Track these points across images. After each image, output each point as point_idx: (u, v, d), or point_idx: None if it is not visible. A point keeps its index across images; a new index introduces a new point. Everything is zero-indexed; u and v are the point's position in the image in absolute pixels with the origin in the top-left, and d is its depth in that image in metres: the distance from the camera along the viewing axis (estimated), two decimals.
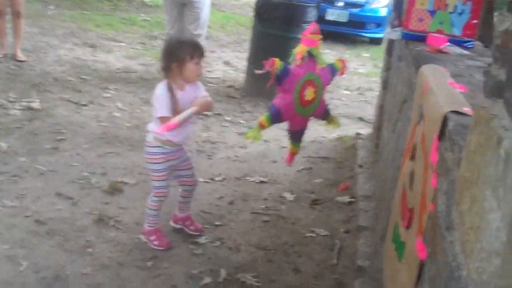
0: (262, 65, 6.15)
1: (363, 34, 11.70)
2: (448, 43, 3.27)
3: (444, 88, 2.20)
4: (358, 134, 5.43)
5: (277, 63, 3.05)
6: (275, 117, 3.22)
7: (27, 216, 3.49)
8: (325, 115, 3.51)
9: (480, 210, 1.21)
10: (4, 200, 3.63)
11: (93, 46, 8.22)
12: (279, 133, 5.63)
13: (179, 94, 3.15)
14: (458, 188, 1.40)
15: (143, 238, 3.39)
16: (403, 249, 2.26)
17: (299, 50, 3.22)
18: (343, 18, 11.22)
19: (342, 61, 3.48)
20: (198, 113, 3.22)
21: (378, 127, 4.77)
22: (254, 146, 5.21)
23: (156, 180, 3.30)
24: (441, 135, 1.80)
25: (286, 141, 5.34)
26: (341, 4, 11.40)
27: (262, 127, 3.19)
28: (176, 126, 3.05)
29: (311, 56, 3.21)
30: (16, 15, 6.93)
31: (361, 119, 6.43)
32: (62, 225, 3.43)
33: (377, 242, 3.30)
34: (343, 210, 3.98)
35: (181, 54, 3.13)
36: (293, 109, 3.21)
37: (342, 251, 3.43)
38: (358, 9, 11.48)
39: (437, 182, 1.80)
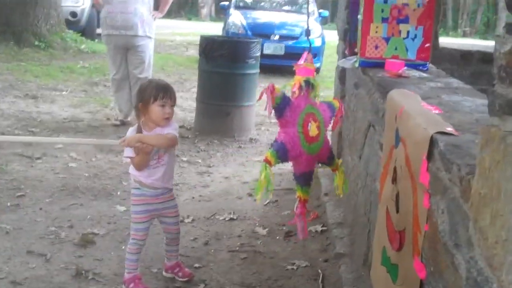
0: (216, 102, 6.14)
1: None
2: (406, 67, 3.39)
3: (420, 110, 2.28)
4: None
5: (277, 89, 2.74)
6: (281, 153, 2.79)
7: (1, 279, 3.36)
8: (329, 158, 3.11)
9: (506, 224, 1.27)
10: None
11: (35, 98, 8.09)
12: (239, 169, 5.69)
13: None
14: (474, 205, 1.45)
15: (123, 287, 3.32)
16: (396, 271, 2.30)
17: (296, 80, 2.87)
18: (280, 51, 11.45)
19: (339, 101, 3.22)
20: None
21: (337, 154, 4.86)
22: (216, 185, 5.21)
23: (134, 222, 3.29)
24: (430, 155, 1.86)
25: (247, 177, 5.44)
26: (276, 37, 11.64)
27: (269, 163, 2.76)
28: (142, 164, 3.14)
29: (308, 86, 2.87)
30: None
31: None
32: (39, 284, 3.33)
33: (359, 268, 3.35)
34: (317, 239, 4.02)
35: (145, 95, 3.14)
36: (299, 145, 2.81)
37: (326, 280, 3.46)
38: (294, 41, 11.75)
39: (430, 202, 1.87)
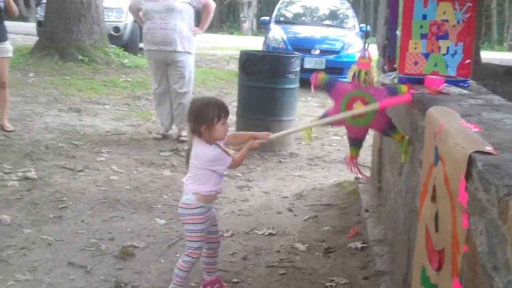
0: (256, 117, 6.28)
1: (342, 79, 11.90)
2: (446, 84, 3.36)
3: (459, 129, 2.24)
4: (357, 178, 5.46)
5: (320, 76, 3.29)
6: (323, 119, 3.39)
7: None
8: (388, 129, 3.44)
9: None
10: (16, 275, 3.56)
11: (78, 111, 8.25)
12: (279, 183, 5.69)
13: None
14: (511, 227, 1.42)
15: None
16: None
17: (353, 69, 3.36)
18: (321, 66, 11.42)
19: (408, 86, 3.33)
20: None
21: (378, 171, 4.82)
22: (255, 199, 5.22)
23: (195, 241, 3.26)
24: (468, 175, 1.83)
25: (286, 192, 5.44)
26: (317, 52, 11.63)
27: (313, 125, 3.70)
28: (242, 160, 3.34)
29: (359, 75, 3.31)
30: (1, 85, 6.95)
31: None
32: None
33: (399, 287, 3.31)
34: (356, 256, 3.99)
35: (209, 116, 3.14)
36: (341, 119, 3.32)
37: None
38: (334, 55, 11.73)
39: (469, 223, 1.84)
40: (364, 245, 4.11)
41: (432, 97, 3.09)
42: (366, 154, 6.79)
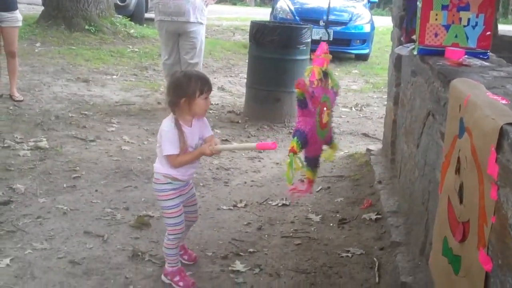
0: (266, 88, 6.11)
1: (349, 51, 11.85)
2: (466, 56, 3.33)
3: (487, 100, 2.22)
4: (369, 150, 5.46)
5: (298, 92, 2.87)
6: (302, 141, 2.91)
7: (60, 258, 3.44)
8: (331, 140, 3.29)
9: None
10: (33, 243, 3.58)
11: (86, 81, 8.21)
12: None
13: (187, 131, 3.07)
14: None
15: (166, 279, 3.27)
16: (459, 262, 2.27)
17: (316, 71, 3.01)
18: (328, 37, 11.33)
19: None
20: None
21: (391, 143, 4.81)
22: (267, 170, 5.22)
23: (171, 217, 3.19)
24: (499, 147, 1.82)
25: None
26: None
27: (294, 153, 2.91)
28: (185, 164, 3.08)
29: (325, 76, 3.09)
30: (11, 54, 6.92)
31: (365, 135, 6.49)
32: (97, 264, 3.40)
33: (416, 257, 3.32)
34: (371, 227, 4.00)
35: (190, 89, 3.02)
36: (315, 132, 2.98)
37: (382, 269, 3.44)
38: (342, 27, 11.63)
39: (498, 194, 1.83)
40: (378, 216, 4.12)
41: (454, 69, 3.07)
42: (375, 126, 6.81)
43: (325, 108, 3.01)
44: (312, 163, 3.14)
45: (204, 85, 3.06)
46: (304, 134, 2.89)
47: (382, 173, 4.76)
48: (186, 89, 3.02)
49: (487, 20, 3.51)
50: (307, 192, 3.23)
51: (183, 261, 3.45)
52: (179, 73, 3.22)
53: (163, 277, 3.30)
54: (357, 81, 9.52)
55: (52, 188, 4.47)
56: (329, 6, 4.18)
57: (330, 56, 3.21)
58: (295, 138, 2.90)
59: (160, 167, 3.15)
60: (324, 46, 3.19)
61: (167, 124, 3.07)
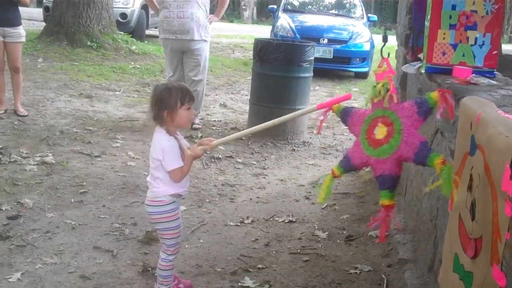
0: (269, 105, 6.05)
1: (349, 69, 11.93)
2: (474, 74, 3.38)
3: (499, 118, 2.26)
4: None
5: (334, 108, 2.81)
6: (344, 164, 2.73)
7: (70, 272, 3.46)
8: (418, 156, 2.58)
9: None
10: (43, 258, 3.60)
11: (89, 97, 8.25)
12: (294, 171, 5.73)
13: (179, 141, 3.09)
14: None
15: None
16: (471, 278, 2.29)
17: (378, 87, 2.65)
18: (329, 55, 11.43)
19: (441, 91, 2.54)
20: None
21: None
22: (272, 187, 5.25)
23: (173, 238, 3.16)
24: None
25: (302, 180, 5.47)
26: (325, 41, 11.62)
27: (334, 175, 2.76)
28: (185, 175, 3.06)
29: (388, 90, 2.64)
30: (15, 70, 6.96)
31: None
32: (108, 279, 3.42)
33: (424, 274, 3.34)
34: (378, 244, 4.02)
35: (171, 101, 3.01)
36: (362, 152, 2.64)
37: (390, 286, 3.46)
38: (342, 45, 11.72)
39: None
40: (385, 233, 4.13)
41: (462, 87, 3.11)
42: None
43: (381, 123, 2.62)
44: (383, 184, 2.66)
45: (184, 96, 3.04)
46: (346, 157, 2.72)
47: None
48: (168, 101, 3.00)
49: (493, 40, 3.56)
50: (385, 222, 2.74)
51: None
52: (160, 86, 3.16)
53: None
54: (357, 99, 9.56)
55: (60, 203, 4.49)
56: None
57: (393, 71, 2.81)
58: (339, 162, 2.75)
59: (163, 189, 3.07)
60: (384, 61, 2.79)
61: (164, 138, 3.02)
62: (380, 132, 2.61)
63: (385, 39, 3.37)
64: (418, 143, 2.55)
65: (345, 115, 2.77)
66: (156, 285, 3.23)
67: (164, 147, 3.01)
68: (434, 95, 2.50)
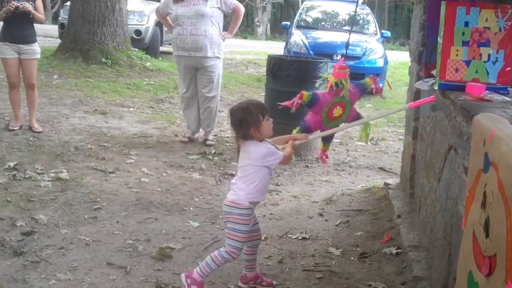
0: (283, 121, 6.38)
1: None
2: (487, 91, 3.37)
3: None
4: (386, 184, 5.48)
5: (304, 95, 3.69)
6: (305, 131, 3.83)
7: None
8: (356, 118, 3.93)
9: None
10: (57, 274, 3.61)
11: (104, 113, 8.31)
12: (307, 188, 5.72)
13: None
14: None
15: (183, 279, 3.41)
16: None
17: (330, 80, 3.72)
18: None
19: (373, 79, 4.01)
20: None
21: (410, 177, 4.83)
22: (285, 204, 5.25)
23: (239, 241, 3.35)
24: None
25: (315, 196, 5.46)
26: (339, 57, 11.63)
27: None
28: (290, 157, 3.51)
29: (337, 85, 3.69)
30: (30, 86, 7.04)
31: (382, 169, 6.51)
32: None
33: None
34: (392, 261, 4.00)
35: (254, 117, 3.29)
36: (321, 123, 3.78)
37: None
38: (356, 61, 11.72)
39: None
40: (399, 250, 4.12)
41: (476, 104, 3.10)
42: (391, 160, 6.83)
43: (338, 106, 3.73)
44: (325, 140, 4.03)
45: (262, 108, 3.38)
46: (306, 125, 3.83)
47: (401, 207, 4.77)
48: (252, 118, 3.29)
49: (507, 56, 3.56)
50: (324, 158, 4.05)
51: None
52: (236, 107, 3.44)
53: (183, 276, 3.43)
54: (371, 115, 9.56)
55: (74, 219, 4.51)
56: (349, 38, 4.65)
57: (348, 71, 3.79)
58: (298, 127, 3.89)
59: (246, 188, 3.35)
60: (341, 62, 3.81)
61: (260, 145, 3.35)
62: (337, 111, 3.75)
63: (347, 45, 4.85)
64: (355, 113, 3.91)
65: (313, 101, 3.72)
66: (197, 268, 3.43)
67: (264, 151, 3.33)
68: (369, 80, 3.95)
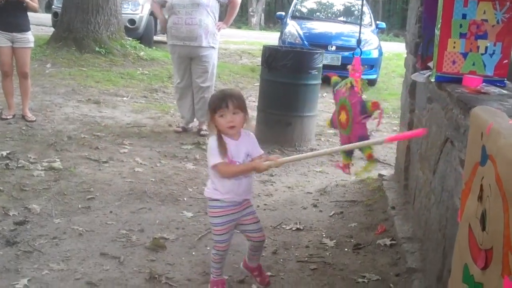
0: (277, 112, 6.48)
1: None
2: (484, 83, 3.36)
3: (511, 129, 2.25)
4: (381, 175, 5.48)
5: (332, 78, 3.75)
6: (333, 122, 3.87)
7: (77, 279, 3.45)
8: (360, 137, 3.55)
9: None
10: (50, 264, 3.60)
11: (97, 102, 8.27)
12: (301, 179, 5.71)
13: (231, 143, 3.12)
14: None
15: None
16: None
17: (347, 81, 3.57)
18: (337, 62, 11.41)
19: (375, 103, 3.45)
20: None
21: (405, 168, 4.83)
22: (279, 194, 5.24)
23: (215, 234, 3.29)
24: None
25: (309, 187, 5.45)
26: (333, 48, 11.62)
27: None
28: (233, 174, 3.12)
29: (352, 86, 3.52)
30: (23, 75, 6.99)
31: (376, 160, 6.49)
32: (115, 286, 3.40)
33: (433, 284, 3.31)
34: (386, 253, 4.00)
35: (211, 108, 3.14)
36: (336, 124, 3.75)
37: None
38: (351, 52, 11.68)
39: None
40: (393, 242, 4.12)
41: (473, 96, 3.09)
42: (385, 151, 6.82)
43: (343, 111, 3.54)
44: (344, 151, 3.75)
45: (215, 103, 3.11)
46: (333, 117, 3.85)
47: (395, 198, 4.77)
48: (209, 108, 3.17)
49: (504, 49, 3.54)
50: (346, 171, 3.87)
51: (255, 283, 3.54)
52: (235, 89, 3.41)
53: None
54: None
55: (67, 208, 4.49)
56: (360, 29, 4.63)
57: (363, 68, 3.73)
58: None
59: (210, 184, 3.27)
60: (356, 61, 3.71)
61: (211, 138, 3.18)
62: (342, 117, 3.58)
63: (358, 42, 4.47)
64: (358, 134, 3.52)
65: (334, 85, 3.70)
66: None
67: (209, 146, 3.21)
68: (370, 105, 3.42)
